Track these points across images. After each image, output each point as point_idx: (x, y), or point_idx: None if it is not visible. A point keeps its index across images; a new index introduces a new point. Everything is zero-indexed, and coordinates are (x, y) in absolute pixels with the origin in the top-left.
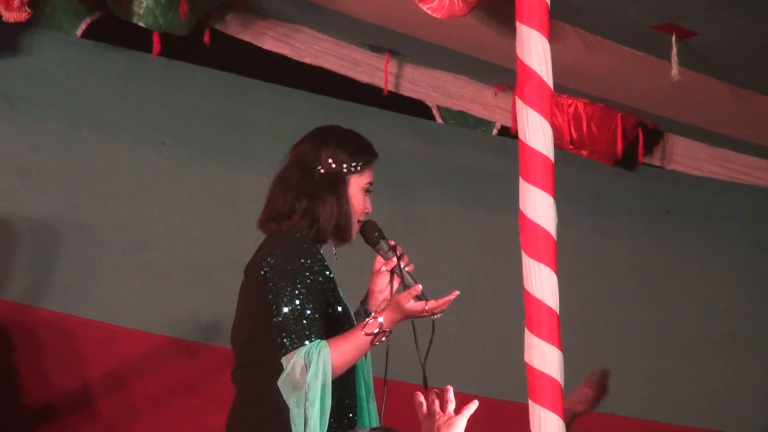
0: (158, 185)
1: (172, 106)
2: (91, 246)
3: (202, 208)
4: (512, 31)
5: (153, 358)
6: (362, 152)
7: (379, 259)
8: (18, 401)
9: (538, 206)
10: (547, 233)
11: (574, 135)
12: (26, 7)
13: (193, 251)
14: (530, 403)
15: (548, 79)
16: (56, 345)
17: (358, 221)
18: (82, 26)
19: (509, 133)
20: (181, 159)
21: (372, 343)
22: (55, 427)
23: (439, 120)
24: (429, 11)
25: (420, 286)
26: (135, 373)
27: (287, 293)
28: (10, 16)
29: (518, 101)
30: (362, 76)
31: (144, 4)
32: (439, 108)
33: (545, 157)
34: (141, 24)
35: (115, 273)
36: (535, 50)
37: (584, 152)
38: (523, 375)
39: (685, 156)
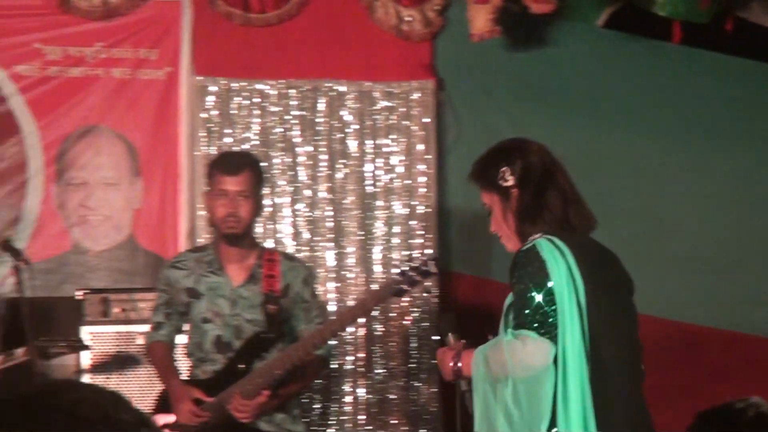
0: (681, 175)
1: (694, 95)
2: (609, 238)
3: (727, 198)
4: None
5: (678, 348)
6: None
7: None
8: None
9: None
10: None
11: None
12: None
13: (717, 242)
14: None
15: None
16: None
17: None
18: (604, 16)
19: None
20: (705, 148)
21: None
22: None
23: None
24: None
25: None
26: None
27: None
28: (538, 8)
29: None
30: None
31: None
32: None
33: None
34: (661, 13)
35: (635, 264)
36: None
37: None
38: None
39: None
